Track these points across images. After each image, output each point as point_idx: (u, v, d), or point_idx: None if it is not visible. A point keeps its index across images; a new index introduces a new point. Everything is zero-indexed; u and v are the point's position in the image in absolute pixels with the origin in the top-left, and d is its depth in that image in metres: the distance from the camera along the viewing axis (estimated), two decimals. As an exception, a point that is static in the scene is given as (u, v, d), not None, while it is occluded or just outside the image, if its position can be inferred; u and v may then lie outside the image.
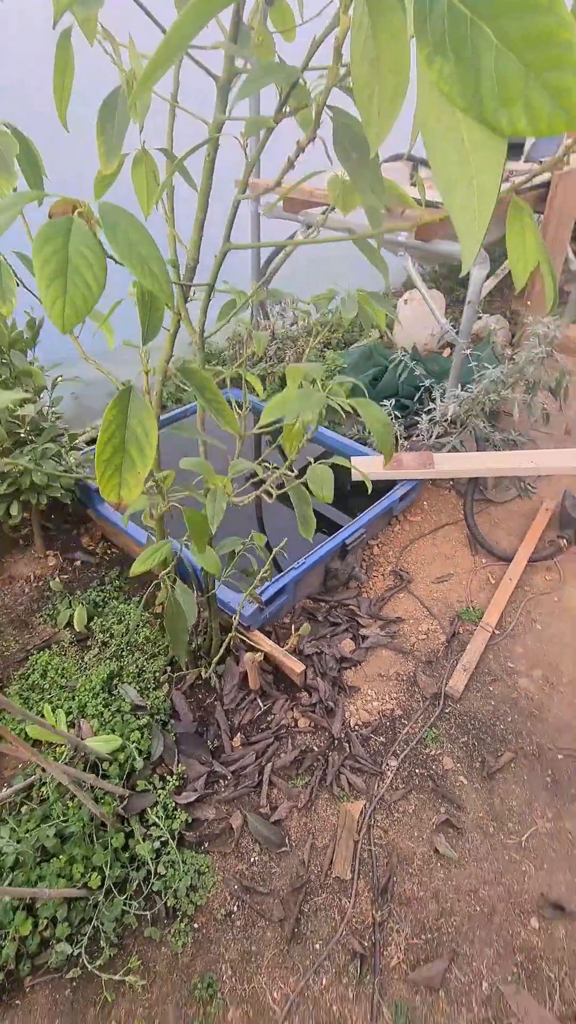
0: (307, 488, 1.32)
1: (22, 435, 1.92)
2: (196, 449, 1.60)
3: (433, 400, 2.79)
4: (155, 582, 1.61)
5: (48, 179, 1.07)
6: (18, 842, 1.43)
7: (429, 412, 2.75)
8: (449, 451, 2.67)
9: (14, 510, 1.97)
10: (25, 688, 1.88)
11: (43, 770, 1.63)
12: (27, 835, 1.45)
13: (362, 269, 1.69)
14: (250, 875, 1.49)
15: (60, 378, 2.09)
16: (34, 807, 1.54)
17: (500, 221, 0.89)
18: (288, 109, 0.77)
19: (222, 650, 1.91)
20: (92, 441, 2.84)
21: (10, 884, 1.36)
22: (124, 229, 0.52)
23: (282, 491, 1.43)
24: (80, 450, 2.36)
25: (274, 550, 1.78)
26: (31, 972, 1.32)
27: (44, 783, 1.59)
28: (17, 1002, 1.29)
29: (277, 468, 1.46)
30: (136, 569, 1.33)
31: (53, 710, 1.75)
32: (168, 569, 1.53)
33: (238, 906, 1.44)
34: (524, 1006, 1.28)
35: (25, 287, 1.06)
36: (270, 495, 1.46)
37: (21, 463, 1.77)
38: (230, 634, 1.87)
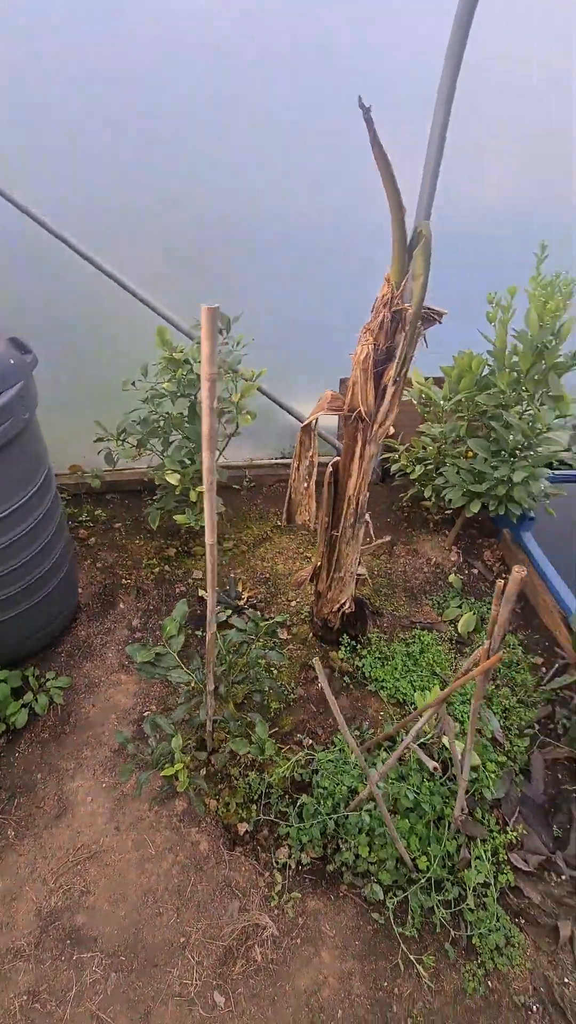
0: None
1: (518, 444, 2.01)
2: None
3: None
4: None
5: None
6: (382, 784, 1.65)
7: None
8: None
9: (474, 506, 2.13)
10: (404, 654, 2.11)
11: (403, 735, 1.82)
12: (388, 784, 1.66)
13: None
14: (560, 990, 1.39)
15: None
16: (395, 766, 1.75)
17: None
18: None
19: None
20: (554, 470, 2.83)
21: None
22: None
23: None
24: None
25: None
26: (349, 885, 1.56)
27: (407, 749, 1.78)
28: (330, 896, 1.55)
29: None
30: None
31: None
32: None
33: (538, 1007, 1.37)
34: None
35: None
36: None
37: (516, 476, 1.86)
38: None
